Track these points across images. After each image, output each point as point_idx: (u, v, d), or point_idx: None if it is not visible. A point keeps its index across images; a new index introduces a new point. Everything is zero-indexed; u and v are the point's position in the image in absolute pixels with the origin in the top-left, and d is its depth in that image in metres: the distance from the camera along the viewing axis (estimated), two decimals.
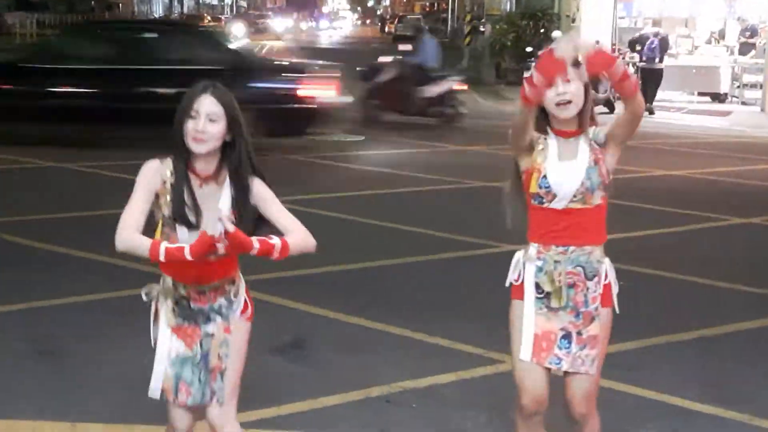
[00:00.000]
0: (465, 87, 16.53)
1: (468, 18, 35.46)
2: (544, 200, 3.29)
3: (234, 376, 3.47)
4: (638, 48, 20.81)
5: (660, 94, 21.29)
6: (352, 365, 5.35)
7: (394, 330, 5.95)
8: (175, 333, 3.43)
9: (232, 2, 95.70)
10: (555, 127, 3.38)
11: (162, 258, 3.18)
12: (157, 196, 3.31)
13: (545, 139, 3.36)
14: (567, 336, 3.37)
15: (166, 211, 3.30)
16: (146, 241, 3.23)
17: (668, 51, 20.71)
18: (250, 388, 4.42)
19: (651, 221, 9.51)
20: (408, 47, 17.09)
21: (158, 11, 71.06)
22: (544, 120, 3.36)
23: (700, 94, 22.47)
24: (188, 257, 3.13)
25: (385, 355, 5.53)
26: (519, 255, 3.42)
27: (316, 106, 12.86)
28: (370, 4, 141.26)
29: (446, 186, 11.12)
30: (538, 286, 3.43)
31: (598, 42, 18.48)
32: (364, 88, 16.40)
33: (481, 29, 31.31)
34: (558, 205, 3.26)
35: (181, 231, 3.30)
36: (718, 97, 22.10)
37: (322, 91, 13.07)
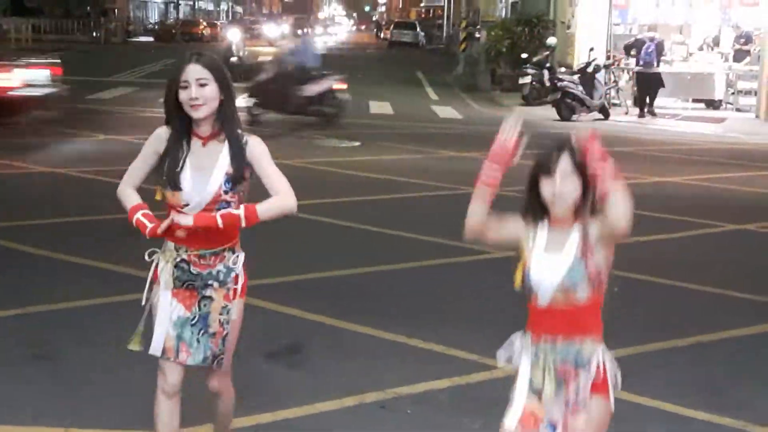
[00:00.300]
0: (344, 86, 16.55)
1: (463, 24, 35.52)
2: (529, 299, 3.18)
3: (234, 345, 3.69)
4: (633, 53, 20.87)
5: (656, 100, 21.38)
6: (347, 371, 5.35)
7: (389, 336, 5.95)
8: (175, 297, 3.60)
9: (228, 8, 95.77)
10: (552, 218, 3.17)
11: (133, 223, 3.59)
12: (161, 159, 3.56)
13: (535, 229, 3.18)
14: (553, 425, 3.19)
15: (162, 173, 3.54)
16: (130, 203, 3.65)
17: (663, 56, 20.76)
18: (245, 393, 4.43)
19: (646, 228, 9.51)
20: (292, 45, 17.09)
21: (154, 17, 71.06)
22: (540, 210, 3.17)
23: (695, 100, 22.53)
24: (146, 234, 3.54)
25: (380, 361, 5.53)
26: (517, 341, 3.24)
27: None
28: (366, 9, 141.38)
29: (442, 192, 11.13)
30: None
31: (592, 49, 18.33)
32: (243, 88, 16.53)
33: (477, 35, 31.35)
34: (541, 303, 3.10)
35: (179, 192, 3.51)
36: (712, 104, 22.16)
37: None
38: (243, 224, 3.50)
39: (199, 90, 3.47)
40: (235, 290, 3.63)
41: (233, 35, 26.42)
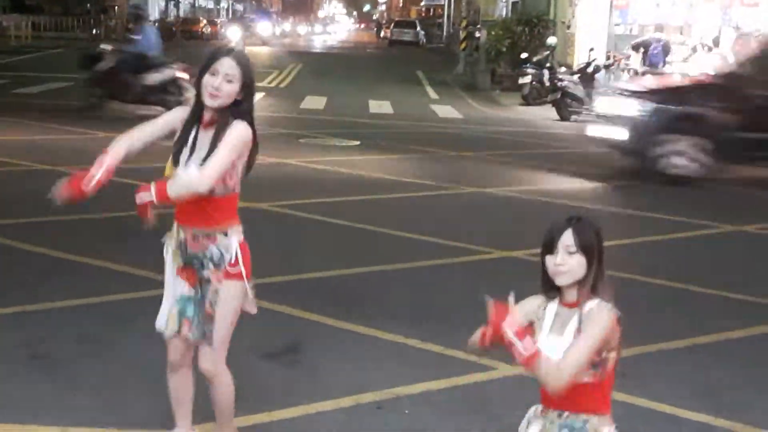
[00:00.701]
0: (188, 75, 16.13)
1: (464, 23, 35.51)
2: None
3: (225, 326, 3.81)
4: (641, 51, 20.98)
5: None
6: (345, 371, 5.36)
7: (387, 336, 5.96)
8: (179, 275, 3.80)
9: (228, 5, 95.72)
10: (561, 298, 3.17)
11: (139, 193, 3.66)
12: (174, 133, 3.75)
13: (544, 309, 3.19)
14: None
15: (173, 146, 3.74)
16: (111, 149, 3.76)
17: (667, 57, 20.89)
18: (242, 393, 4.44)
19: (642, 228, 9.54)
20: (138, 36, 16.86)
21: (154, 14, 70.97)
22: (550, 289, 3.17)
23: None
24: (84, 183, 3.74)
25: (378, 361, 5.54)
26: (531, 410, 3.28)
27: None
28: (366, 8, 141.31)
29: (441, 192, 11.14)
30: None
31: (592, 49, 18.29)
32: (84, 77, 16.43)
33: (477, 35, 31.35)
34: None
35: (175, 168, 3.70)
36: None
37: None
38: (153, 196, 3.58)
39: (224, 84, 3.63)
40: (226, 272, 3.76)
41: (233, 33, 26.42)
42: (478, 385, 5.24)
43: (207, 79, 3.64)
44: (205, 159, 3.63)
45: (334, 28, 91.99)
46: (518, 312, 3.20)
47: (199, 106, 3.70)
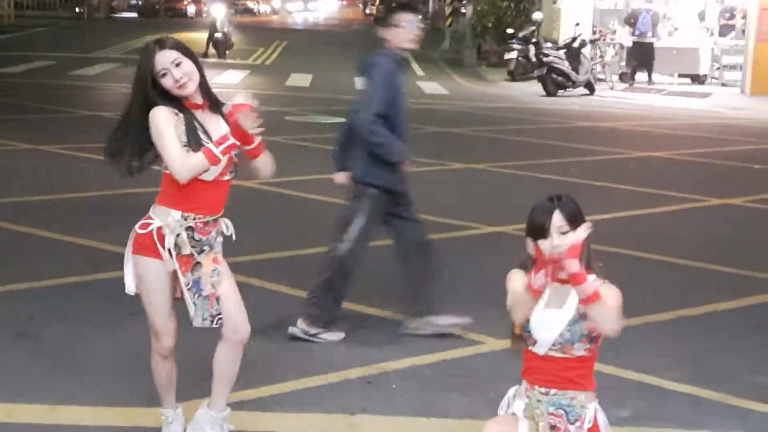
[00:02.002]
0: None
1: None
2: (528, 343, 3.21)
3: (238, 305, 3.88)
4: (632, 22, 21.03)
5: (640, 75, 21.40)
6: (333, 347, 5.36)
7: (375, 311, 5.96)
8: (177, 261, 3.75)
9: None
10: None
11: (219, 153, 3.57)
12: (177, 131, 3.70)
13: None
14: None
15: (182, 139, 3.66)
16: (198, 155, 3.60)
17: (657, 26, 20.98)
18: None
19: (630, 202, 9.55)
20: None
21: None
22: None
23: (681, 75, 22.56)
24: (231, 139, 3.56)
25: (366, 337, 5.54)
26: (512, 390, 3.32)
27: None
28: None
29: (428, 168, 11.12)
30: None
31: (578, 24, 18.28)
32: None
33: (463, 11, 31.23)
34: (539, 350, 3.15)
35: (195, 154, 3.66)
36: (698, 79, 22.19)
37: None
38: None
39: (179, 69, 3.64)
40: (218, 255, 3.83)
41: (218, 11, 26.22)
42: (466, 359, 5.25)
43: (165, 82, 3.64)
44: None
45: (317, 5, 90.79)
46: (517, 289, 3.22)
47: (179, 106, 3.69)
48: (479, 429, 3.28)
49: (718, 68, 21.92)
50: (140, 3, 54.98)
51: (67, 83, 18.25)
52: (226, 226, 3.87)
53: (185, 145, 3.67)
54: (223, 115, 3.73)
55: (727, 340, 5.75)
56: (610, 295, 3.09)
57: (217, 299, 3.80)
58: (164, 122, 3.66)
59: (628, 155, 12.60)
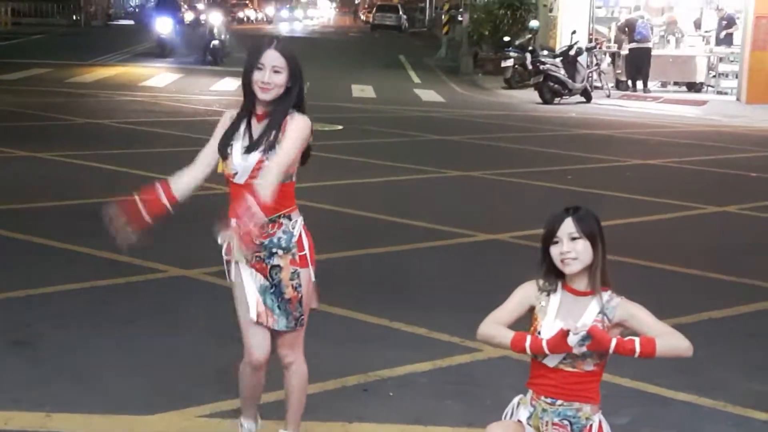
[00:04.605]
0: None
1: (446, 7, 35.41)
2: (538, 355, 3.22)
3: (305, 312, 3.82)
4: (626, 31, 21.09)
5: (637, 83, 21.45)
6: (330, 354, 5.34)
7: (372, 319, 5.95)
8: (253, 267, 3.75)
9: None
10: (567, 283, 3.21)
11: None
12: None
13: (548, 295, 3.21)
14: None
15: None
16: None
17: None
18: (226, 377, 4.42)
19: (627, 210, 9.55)
20: None
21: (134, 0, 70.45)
22: (556, 275, 3.20)
23: (676, 83, 22.61)
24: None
25: (363, 344, 5.53)
26: (517, 398, 3.32)
27: None
28: None
29: (425, 176, 11.12)
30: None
31: (574, 32, 18.31)
32: None
33: (459, 18, 31.28)
34: (549, 363, 3.15)
35: (229, 161, 3.69)
36: (694, 87, 22.24)
37: None
38: (255, 216, 3.44)
39: (272, 76, 3.65)
40: (302, 257, 3.78)
41: (215, 19, 26.25)
42: (463, 366, 5.24)
43: (255, 74, 3.66)
44: (253, 147, 3.66)
45: (314, 13, 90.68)
46: (513, 300, 3.22)
47: (250, 102, 3.71)
48: None
49: (714, 76, 21.97)
50: (137, 11, 55.04)
51: (64, 90, 18.23)
52: (291, 231, 3.80)
53: (220, 144, 3.70)
54: (275, 124, 3.70)
55: (725, 348, 5.74)
56: (646, 321, 3.19)
57: (299, 302, 3.78)
58: (219, 124, 3.78)
59: (625, 163, 12.61)
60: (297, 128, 3.71)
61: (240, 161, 3.68)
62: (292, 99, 3.73)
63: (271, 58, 3.66)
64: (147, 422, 4.31)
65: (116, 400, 4.58)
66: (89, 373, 4.94)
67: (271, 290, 3.76)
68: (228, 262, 3.81)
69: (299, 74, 3.75)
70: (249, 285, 3.78)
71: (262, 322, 3.78)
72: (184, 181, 3.75)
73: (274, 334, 3.85)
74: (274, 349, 3.88)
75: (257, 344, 3.82)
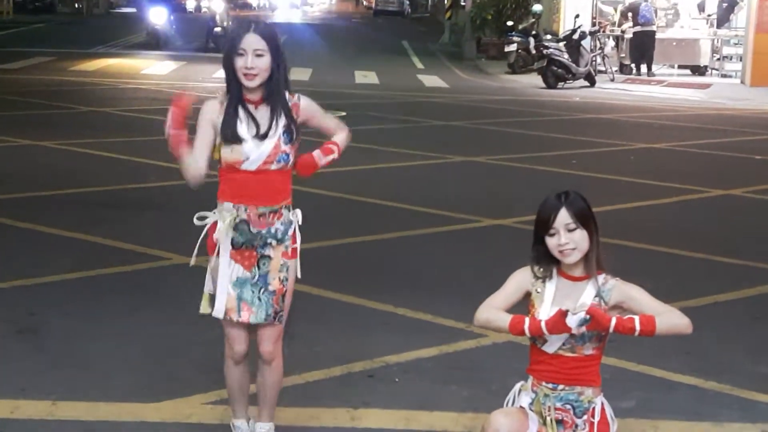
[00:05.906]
0: None
1: None
2: (537, 341, 3.21)
3: (288, 306, 3.76)
4: (630, 16, 21.02)
5: (642, 66, 21.38)
6: (335, 340, 5.35)
7: (377, 305, 5.96)
8: (233, 258, 3.64)
9: None
10: (562, 269, 3.21)
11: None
12: (214, 126, 3.63)
13: (543, 282, 3.21)
14: None
15: (221, 132, 3.61)
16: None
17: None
18: None
19: (631, 194, 9.54)
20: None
21: None
22: (550, 262, 3.20)
23: (681, 66, 22.54)
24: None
25: (368, 330, 5.53)
26: (518, 385, 3.32)
27: None
28: None
29: (429, 161, 11.11)
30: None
31: (578, 16, 18.29)
32: None
33: (462, 3, 31.18)
34: (548, 349, 3.16)
35: (239, 147, 3.60)
36: (698, 70, 22.17)
37: None
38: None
39: (255, 60, 3.58)
40: (294, 249, 3.74)
41: (217, 6, 26.19)
42: (468, 352, 5.24)
43: (238, 61, 3.58)
44: (266, 134, 3.63)
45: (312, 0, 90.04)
46: (510, 285, 3.23)
47: (235, 88, 3.63)
48: (482, 422, 3.28)
49: (718, 59, 21.89)
50: None
51: (67, 79, 18.22)
52: (289, 222, 3.72)
53: (222, 137, 3.60)
54: (288, 111, 3.70)
55: (730, 331, 5.74)
56: (643, 301, 3.14)
57: (283, 296, 3.70)
58: (201, 116, 3.66)
59: (629, 147, 12.59)
60: (318, 107, 3.93)
61: (253, 147, 3.61)
62: (281, 80, 3.68)
63: (252, 42, 3.58)
64: (153, 409, 4.32)
65: (122, 387, 4.59)
66: (95, 361, 4.95)
67: (254, 281, 3.67)
68: (204, 246, 3.69)
69: (282, 56, 3.67)
70: (223, 278, 3.67)
71: (232, 318, 3.69)
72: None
73: (256, 329, 3.77)
74: (255, 344, 3.81)
75: (236, 335, 3.77)
